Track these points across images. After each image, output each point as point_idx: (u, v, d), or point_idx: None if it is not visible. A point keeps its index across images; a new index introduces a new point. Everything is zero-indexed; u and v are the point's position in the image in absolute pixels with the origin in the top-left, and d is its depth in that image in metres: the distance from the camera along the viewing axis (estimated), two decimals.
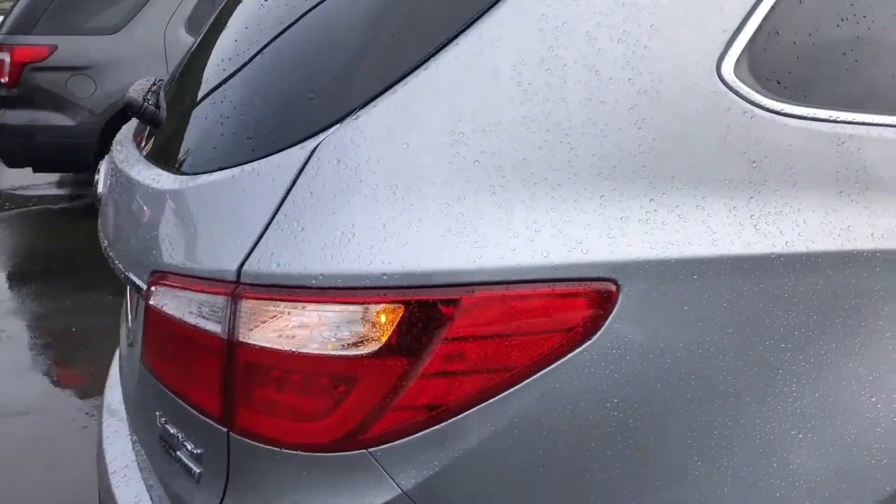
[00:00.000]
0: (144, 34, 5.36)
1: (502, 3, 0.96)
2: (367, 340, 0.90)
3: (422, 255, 0.89)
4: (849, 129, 1.02)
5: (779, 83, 1.00)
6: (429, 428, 0.92)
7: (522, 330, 0.91)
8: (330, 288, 0.90)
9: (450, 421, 0.91)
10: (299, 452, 0.95)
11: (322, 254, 0.91)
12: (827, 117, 1.02)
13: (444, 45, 0.96)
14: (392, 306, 0.90)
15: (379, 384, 0.91)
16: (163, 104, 1.43)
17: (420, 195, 0.91)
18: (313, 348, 0.92)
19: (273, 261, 0.92)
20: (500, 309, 0.90)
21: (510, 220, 0.91)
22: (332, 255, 0.90)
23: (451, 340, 0.90)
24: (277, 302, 0.92)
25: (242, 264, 0.94)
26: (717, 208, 0.96)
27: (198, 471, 1.06)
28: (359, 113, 0.96)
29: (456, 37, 0.96)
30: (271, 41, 1.16)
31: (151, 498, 1.25)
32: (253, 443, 0.97)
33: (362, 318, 0.90)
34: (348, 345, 0.91)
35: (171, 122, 1.35)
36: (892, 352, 1.03)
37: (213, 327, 0.96)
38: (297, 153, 0.97)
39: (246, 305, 0.93)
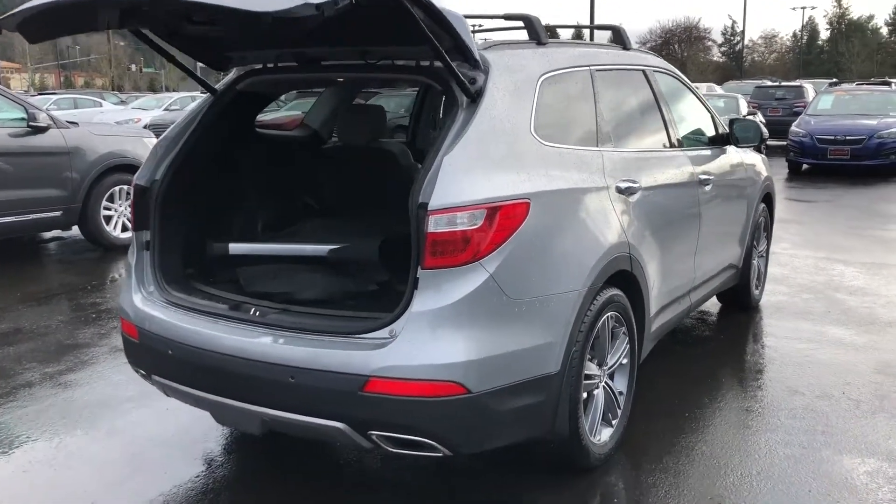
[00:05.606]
0: None
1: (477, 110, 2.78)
2: (474, 224, 2.58)
3: (482, 192, 2.62)
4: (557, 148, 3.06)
5: (545, 136, 2.98)
6: (490, 253, 2.60)
7: (511, 212, 2.68)
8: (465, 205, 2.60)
9: (495, 251, 2.60)
10: (453, 268, 2.57)
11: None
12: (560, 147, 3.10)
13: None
14: (480, 210, 2.60)
15: (479, 240, 2.58)
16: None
17: (478, 174, 2.67)
18: (459, 228, 2.56)
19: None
20: (507, 209, 2.66)
21: (504, 179, 2.72)
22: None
23: (499, 219, 2.62)
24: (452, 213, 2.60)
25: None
26: (556, 174, 2.96)
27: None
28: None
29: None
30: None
31: None
32: (433, 270, 2.57)
33: (472, 216, 2.58)
34: (469, 226, 2.58)
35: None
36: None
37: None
38: None
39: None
